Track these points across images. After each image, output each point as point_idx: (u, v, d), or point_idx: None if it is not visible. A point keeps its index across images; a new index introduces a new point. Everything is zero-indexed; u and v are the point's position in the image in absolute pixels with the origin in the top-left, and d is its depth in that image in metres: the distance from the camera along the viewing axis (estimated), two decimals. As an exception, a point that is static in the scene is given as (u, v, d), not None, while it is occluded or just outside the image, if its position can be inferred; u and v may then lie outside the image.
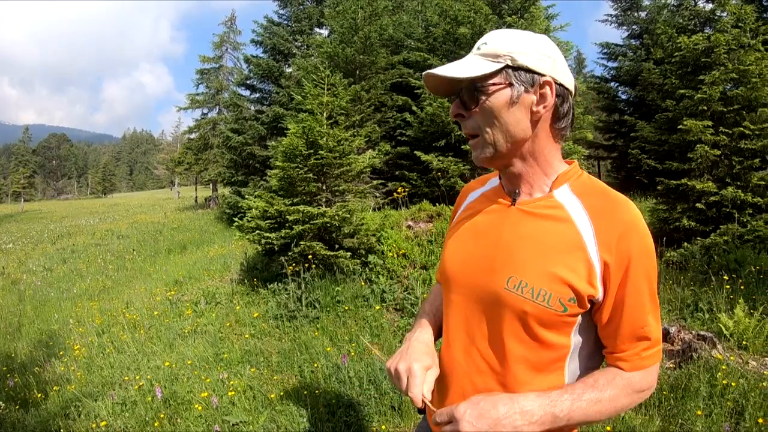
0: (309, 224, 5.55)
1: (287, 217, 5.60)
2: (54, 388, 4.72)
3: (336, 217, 5.58)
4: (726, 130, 7.26)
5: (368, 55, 10.73)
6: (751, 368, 3.74)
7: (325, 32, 17.16)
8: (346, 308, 5.21)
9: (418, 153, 9.24)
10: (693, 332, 4.42)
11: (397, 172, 10.33)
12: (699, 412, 3.09)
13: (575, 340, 1.03)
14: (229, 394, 3.82)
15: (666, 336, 4.59)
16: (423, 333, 1.22)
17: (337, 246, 5.90)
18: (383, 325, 4.99)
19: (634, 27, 19.48)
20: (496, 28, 9.78)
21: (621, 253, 0.96)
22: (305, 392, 3.74)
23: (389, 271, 5.86)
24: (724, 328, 4.40)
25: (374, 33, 10.63)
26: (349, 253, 5.73)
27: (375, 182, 7.56)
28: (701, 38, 7.66)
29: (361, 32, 10.47)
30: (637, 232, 0.97)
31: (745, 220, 6.81)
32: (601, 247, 0.97)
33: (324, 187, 6.16)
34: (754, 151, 7.15)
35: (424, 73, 1.02)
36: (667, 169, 7.94)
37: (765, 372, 3.60)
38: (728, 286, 5.27)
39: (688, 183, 7.26)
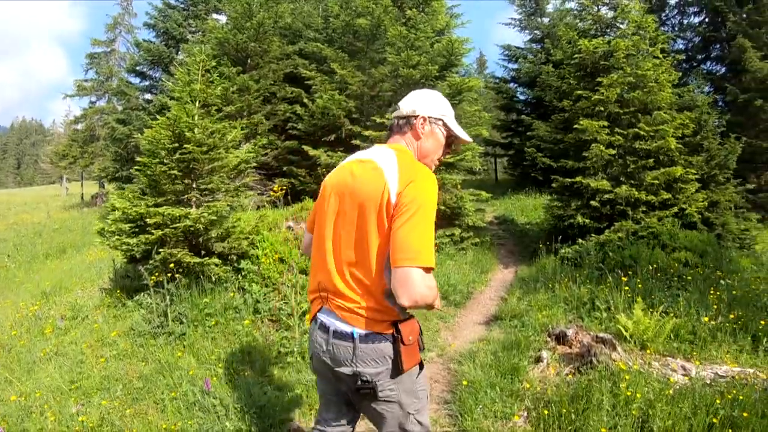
0: (170, 228, 4.78)
1: (147, 219, 4.82)
2: None
3: (201, 220, 4.84)
4: (621, 131, 7.45)
5: (261, 43, 10.13)
6: (653, 370, 3.62)
7: (224, 18, 16.23)
8: (215, 322, 4.52)
9: (306, 147, 8.76)
10: (591, 334, 4.24)
11: (285, 168, 9.82)
12: (603, 430, 2.80)
13: None
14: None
15: (563, 338, 4.37)
16: None
17: (204, 252, 5.17)
18: (257, 338, 4.37)
19: (536, 32, 20.27)
20: (396, 20, 9.57)
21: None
22: (164, 426, 3.20)
23: (264, 277, 5.27)
24: (623, 330, 4.29)
25: (269, 20, 10.05)
26: (219, 260, 5.04)
27: (252, 178, 6.80)
28: (602, 42, 7.86)
29: (255, 18, 9.81)
30: None
31: (638, 217, 6.99)
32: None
33: (194, 186, 5.40)
34: (648, 151, 7.38)
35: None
36: (562, 167, 8.08)
37: (669, 376, 3.47)
38: (626, 286, 5.20)
39: (583, 181, 7.37)
